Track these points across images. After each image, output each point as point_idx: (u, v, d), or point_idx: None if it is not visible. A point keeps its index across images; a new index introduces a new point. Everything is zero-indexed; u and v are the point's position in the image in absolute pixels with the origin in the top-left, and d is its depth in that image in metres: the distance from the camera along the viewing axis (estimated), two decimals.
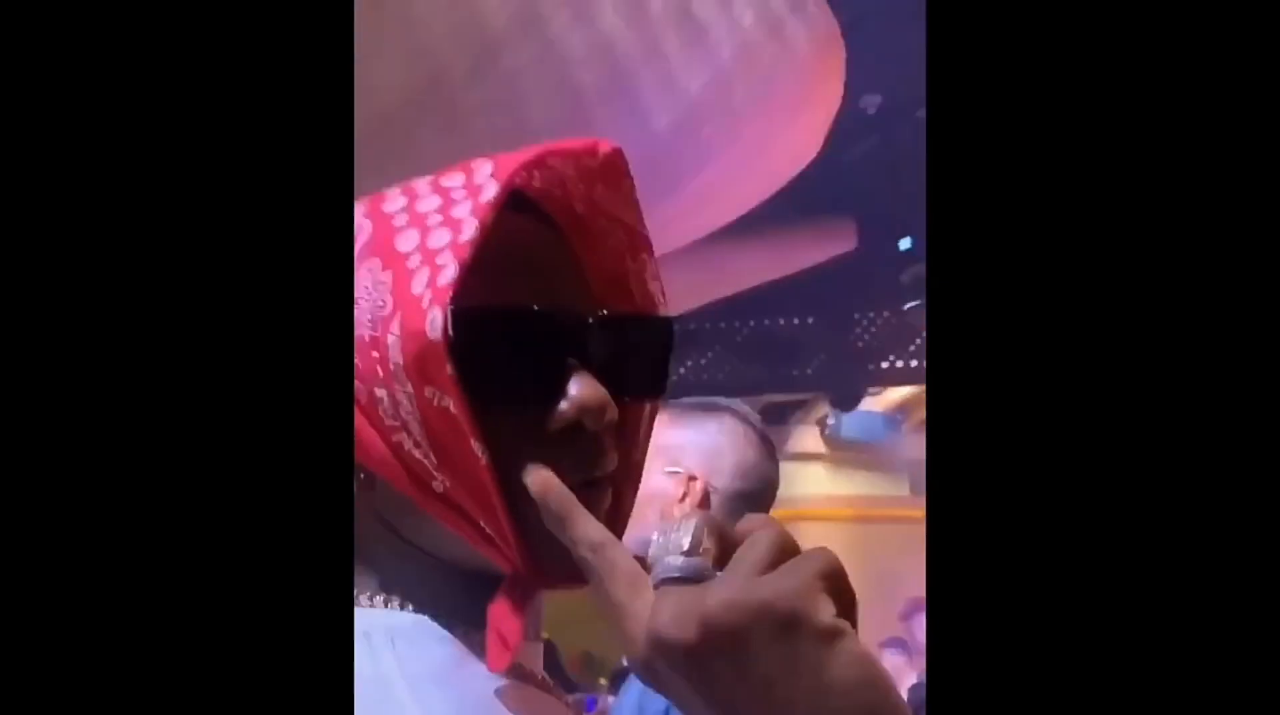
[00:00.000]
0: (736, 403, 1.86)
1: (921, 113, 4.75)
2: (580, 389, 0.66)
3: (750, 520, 0.58)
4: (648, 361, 0.74)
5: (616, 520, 0.72)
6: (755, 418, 1.82)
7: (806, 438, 7.68)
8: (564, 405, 0.66)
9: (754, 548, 0.55)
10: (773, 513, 1.79)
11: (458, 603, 0.69)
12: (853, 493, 8.06)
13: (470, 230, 0.64)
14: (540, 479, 0.63)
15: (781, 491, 1.81)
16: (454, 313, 0.62)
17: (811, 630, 0.53)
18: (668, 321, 0.76)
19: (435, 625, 0.68)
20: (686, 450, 1.69)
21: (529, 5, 2.58)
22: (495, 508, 0.64)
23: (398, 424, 0.65)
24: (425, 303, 0.63)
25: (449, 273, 0.63)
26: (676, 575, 0.54)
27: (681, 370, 6.27)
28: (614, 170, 0.73)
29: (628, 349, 0.72)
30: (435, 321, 0.62)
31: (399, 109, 2.59)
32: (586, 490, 0.66)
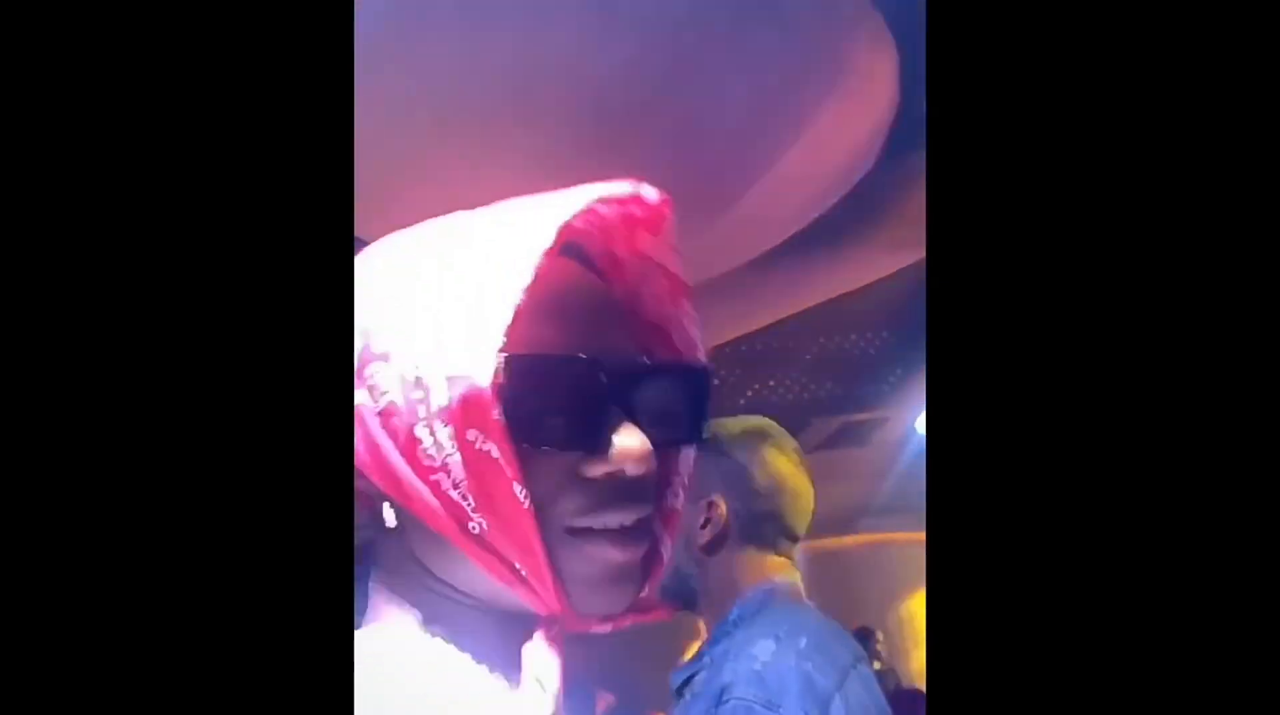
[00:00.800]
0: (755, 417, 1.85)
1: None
2: (624, 438, 0.69)
3: None
4: (688, 409, 0.76)
5: (653, 567, 0.74)
6: (779, 430, 1.80)
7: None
8: (609, 454, 0.69)
9: None
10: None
11: (492, 644, 0.71)
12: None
13: (522, 277, 0.65)
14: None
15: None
16: (505, 360, 0.64)
17: None
18: (707, 370, 0.79)
19: (468, 660, 0.70)
20: (708, 473, 1.68)
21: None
22: (534, 551, 0.66)
23: (437, 465, 0.67)
24: (473, 347, 0.64)
25: (499, 318, 0.65)
26: None
27: (749, 393, 6.22)
28: (658, 218, 0.75)
29: (669, 397, 0.74)
30: (484, 368, 0.64)
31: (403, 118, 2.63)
32: (625, 537, 0.68)
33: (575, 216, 0.70)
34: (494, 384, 0.64)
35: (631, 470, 0.69)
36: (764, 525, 1.71)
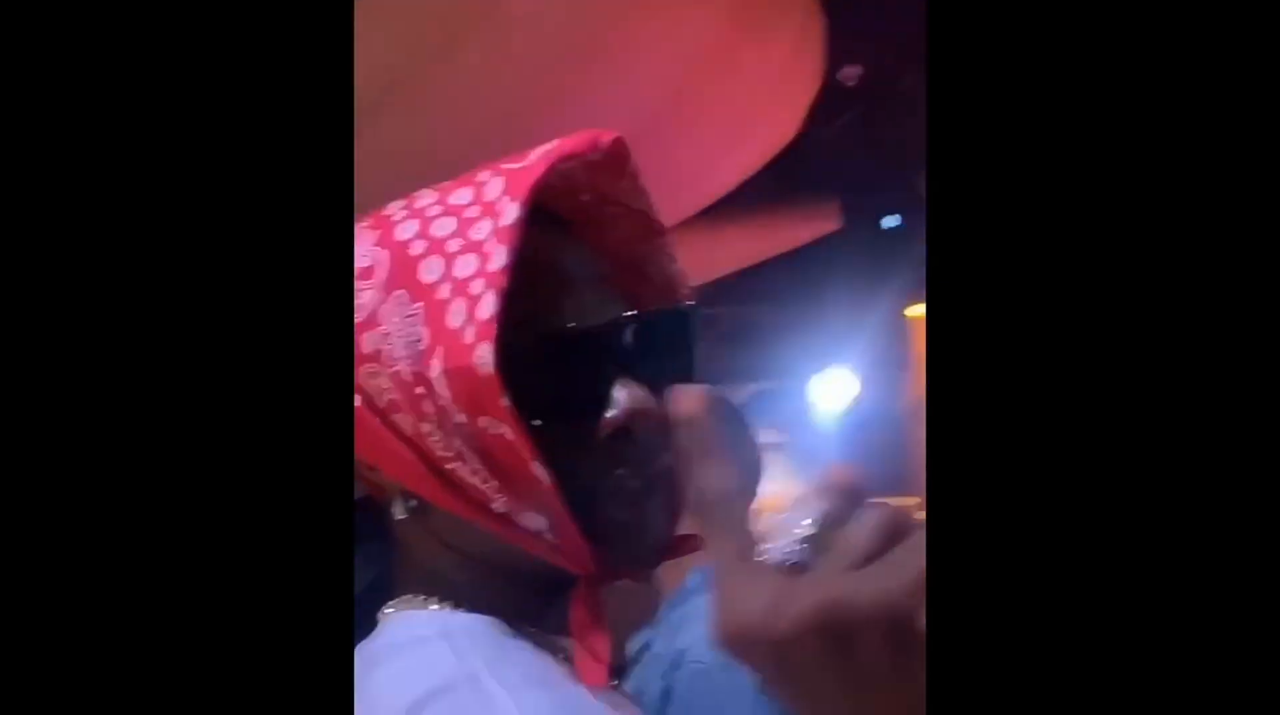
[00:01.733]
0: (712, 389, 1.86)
1: (903, 83, 4.77)
2: (626, 396, 0.71)
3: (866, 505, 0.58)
4: (679, 353, 0.78)
5: (677, 506, 0.76)
6: (731, 403, 1.82)
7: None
8: (612, 413, 0.71)
9: (859, 531, 0.55)
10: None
11: (525, 606, 0.74)
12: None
13: (500, 258, 0.67)
14: (689, 403, 0.65)
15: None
16: (501, 342, 0.65)
17: (911, 637, 0.53)
18: (693, 309, 0.80)
19: (507, 626, 0.71)
20: None
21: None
22: (563, 520, 0.68)
23: (452, 454, 0.69)
24: (469, 337, 0.66)
25: (489, 305, 0.66)
26: (782, 559, 0.54)
27: None
28: (616, 159, 0.76)
29: (659, 344, 0.76)
30: (485, 357, 0.65)
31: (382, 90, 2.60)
32: (644, 488, 0.70)
33: (538, 187, 0.71)
34: (497, 372, 0.65)
35: (640, 427, 0.71)
36: None
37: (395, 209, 0.74)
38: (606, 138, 0.74)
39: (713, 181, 4.07)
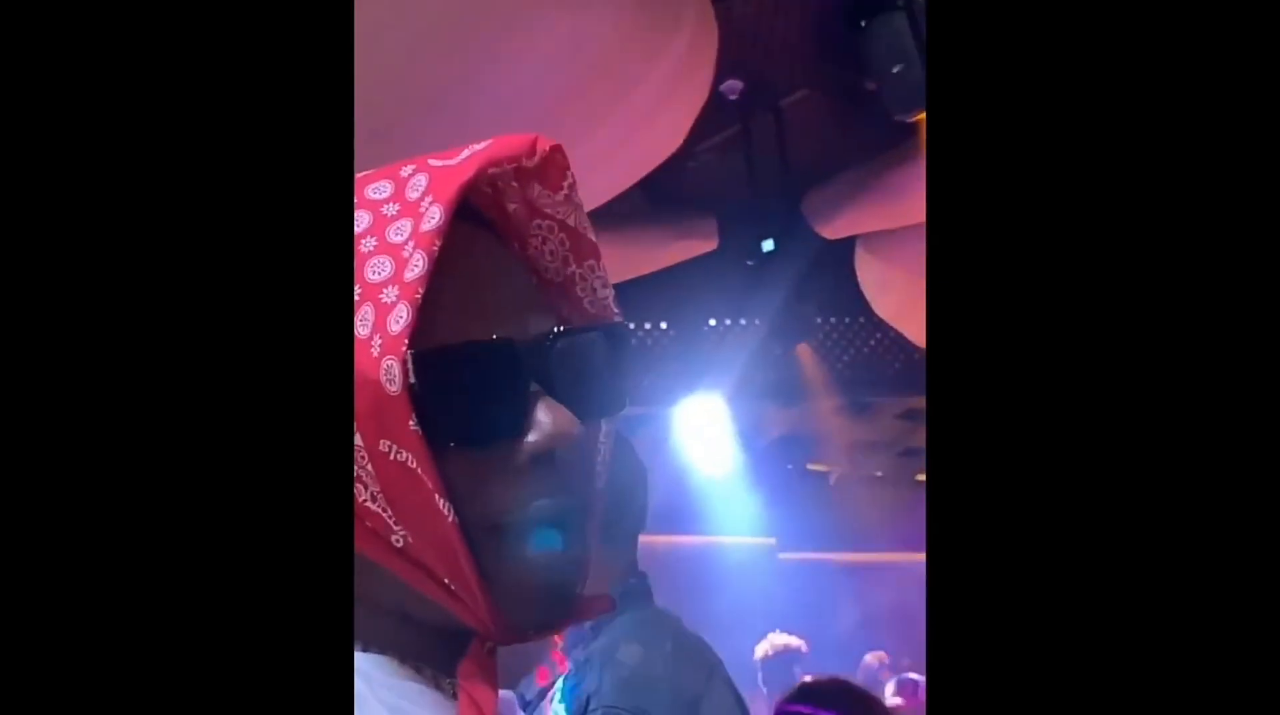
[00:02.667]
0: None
1: (786, 101, 4.84)
2: (549, 416, 0.67)
3: None
4: (607, 376, 0.74)
5: (583, 564, 0.73)
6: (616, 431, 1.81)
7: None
8: (534, 436, 0.67)
9: None
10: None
11: (422, 649, 0.70)
12: None
13: (418, 266, 0.63)
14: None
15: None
16: (413, 357, 0.62)
17: None
18: (624, 330, 0.76)
19: (400, 666, 0.68)
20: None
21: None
22: (460, 564, 0.64)
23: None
24: (376, 350, 0.62)
25: (402, 318, 0.62)
26: None
27: None
28: (553, 169, 0.73)
29: (586, 365, 0.72)
30: (393, 373, 0.61)
31: None
32: (559, 523, 0.67)
33: (464, 193, 0.67)
34: (405, 391, 0.61)
35: (562, 449, 0.68)
36: (620, 523, 1.71)
37: None
38: (546, 144, 0.71)
39: (591, 192, 4.09)
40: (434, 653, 0.70)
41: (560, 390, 0.69)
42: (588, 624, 1.64)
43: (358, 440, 0.63)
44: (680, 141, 4.11)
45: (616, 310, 0.77)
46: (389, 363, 0.61)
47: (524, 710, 1.71)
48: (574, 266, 0.77)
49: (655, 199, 4.85)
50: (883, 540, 7.68)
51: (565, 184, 0.73)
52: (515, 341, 0.68)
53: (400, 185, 0.69)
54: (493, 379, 0.67)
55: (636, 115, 3.54)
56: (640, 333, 6.56)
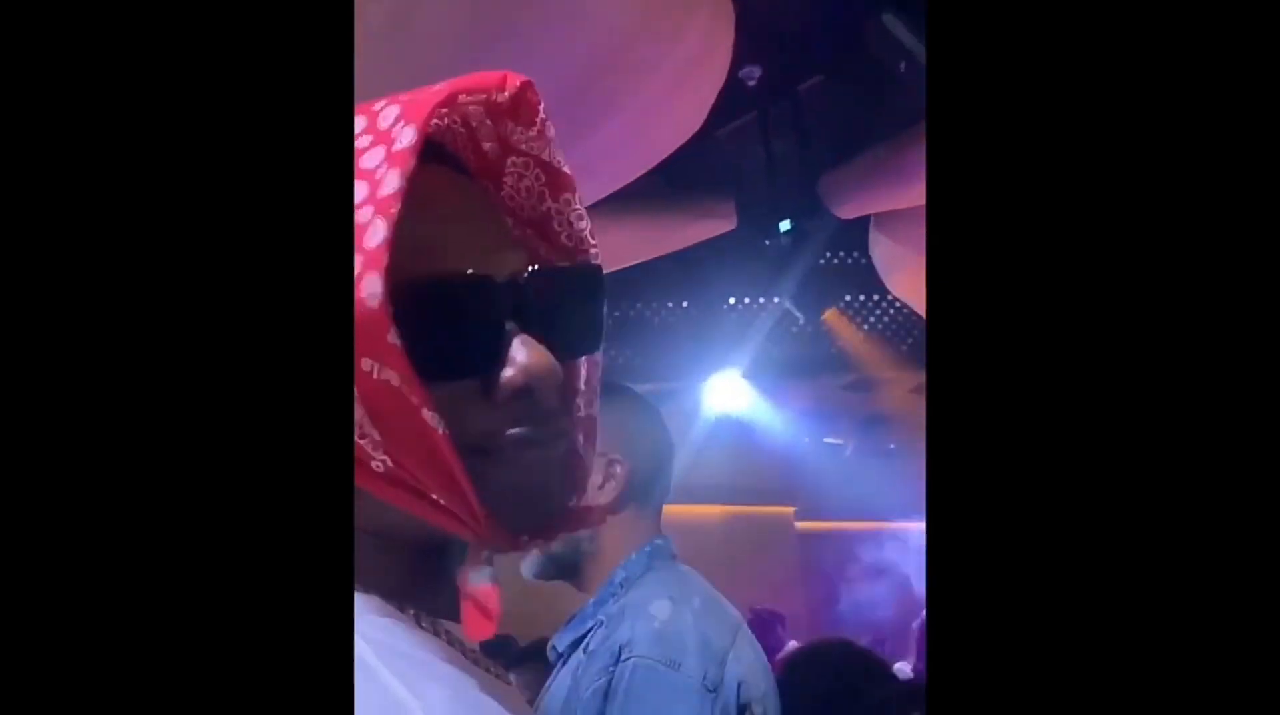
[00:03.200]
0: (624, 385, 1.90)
1: (803, 86, 4.83)
2: (526, 355, 0.67)
3: None
4: (583, 313, 0.74)
5: (577, 475, 0.74)
6: (643, 396, 1.85)
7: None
8: (510, 372, 0.67)
9: None
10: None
11: (403, 582, 0.69)
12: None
13: (393, 183, 0.62)
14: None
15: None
16: (391, 287, 0.60)
17: None
18: (597, 269, 0.76)
19: (385, 604, 0.68)
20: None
21: None
22: (452, 475, 0.64)
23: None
24: (357, 267, 0.60)
25: (379, 233, 0.61)
26: None
27: None
28: (525, 105, 0.72)
29: (562, 303, 0.72)
30: (374, 289, 0.60)
31: None
32: (541, 448, 0.67)
33: (436, 113, 0.67)
34: (385, 301, 0.60)
35: (539, 387, 0.67)
36: (652, 486, 1.76)
37: None
38: (515, 80, 0.70)
39: (611, 175, 4.07)
40: (413, 588, 0.70)
41: (536, 328, 0.68)
42: (618, 579, 1.68)
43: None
44: (698, 126, 4.09)
45: (593, 243, 0.77)
46: (370, 279, 0.60)
47: (556, 662, 1.72)
48: (549, 202, 0.76)
49: (674, 182, 4.83)
50: (896, 509, 7.69)
51: (538, 119, 0.73)
52: (492, 278, 0.67)
53: (372, 119, 0.68)
54: (469, 315, 0.67)
55: (654, 100, 3.52)
56: (662, 312, 6.59)
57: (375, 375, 0.62)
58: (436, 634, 0.69)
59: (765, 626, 5.77)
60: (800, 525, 9.39)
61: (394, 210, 0.61)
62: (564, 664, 1.69)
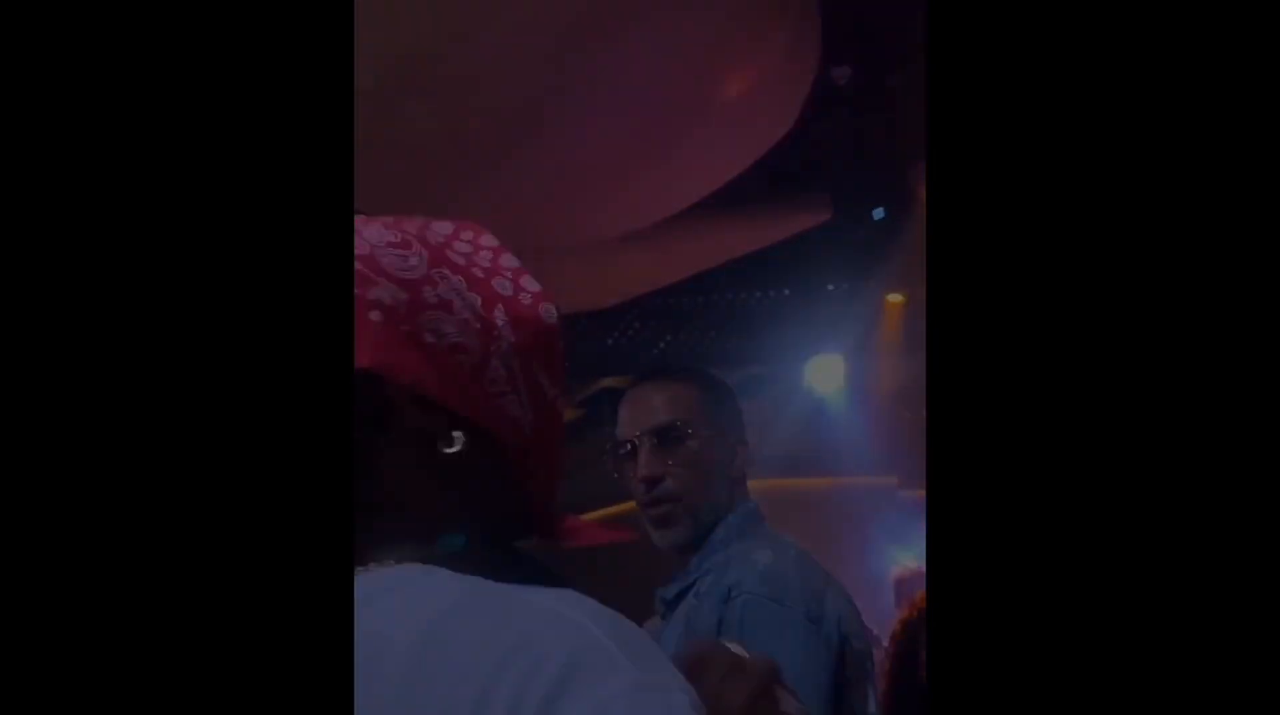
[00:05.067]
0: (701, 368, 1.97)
1: (890, 81, 4.76)
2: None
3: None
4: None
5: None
6: (726, 383, 1.92)
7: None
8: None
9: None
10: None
11: (480, 570, 0.70)
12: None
13: (512, 260, 0.75)
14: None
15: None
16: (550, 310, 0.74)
17: None
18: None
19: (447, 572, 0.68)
20: (717, 412, 1.81)
21: None
22: (562, 477, 0.74)
23: (507, 390, 0.73)
24: (527, 300, 0.74)
25: (534, 282, 0.74)
26: None
27: (662, 344, 6.28)
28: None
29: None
30: (550, 312, 0.74)
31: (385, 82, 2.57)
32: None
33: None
34: (558, 325, 0.72)
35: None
36: (725, 472, 1.83)
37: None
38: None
39: (710, 175, 4.05)
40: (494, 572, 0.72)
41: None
42: (718, 537, 1.77)
43: (517, 363, 0.73)
44: (792, 122, 4.06)
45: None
46: (546, 306, 0.73)
47: (664, 610, 1.79)
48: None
49: (771, 177, 4.80)
50: None
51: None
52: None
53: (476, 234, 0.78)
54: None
55: (747, 101, 3.49)
56: (765, 299, 6.57)
57: (538, 377, 0.74)
58: None
59: (917, 583, 5.72)
60: (904, 493, 9.31)
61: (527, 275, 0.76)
62: (673, 612, 1.77)
